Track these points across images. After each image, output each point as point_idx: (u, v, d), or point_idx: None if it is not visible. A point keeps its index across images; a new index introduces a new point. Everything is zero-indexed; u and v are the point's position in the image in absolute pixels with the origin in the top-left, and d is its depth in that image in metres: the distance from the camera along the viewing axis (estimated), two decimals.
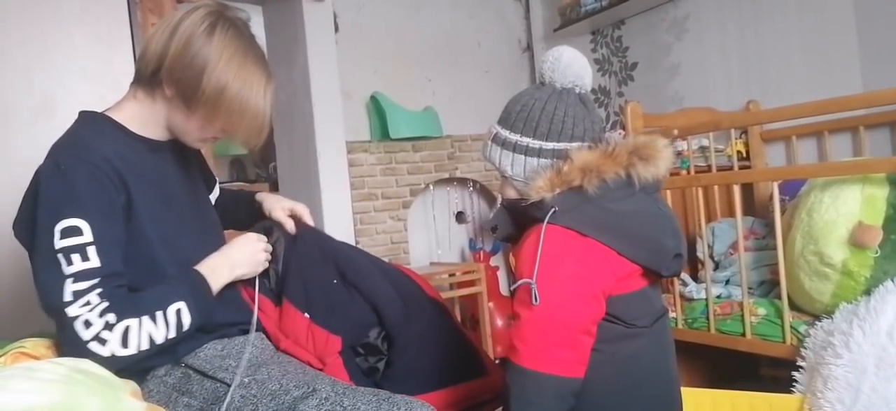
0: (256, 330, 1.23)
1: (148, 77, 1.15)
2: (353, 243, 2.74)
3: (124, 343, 1.03)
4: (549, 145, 1.11)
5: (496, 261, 3.15)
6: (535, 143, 1.12)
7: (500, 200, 1.24)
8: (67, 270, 1.02)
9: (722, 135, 2.40)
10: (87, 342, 1.01)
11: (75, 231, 1.02)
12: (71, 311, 1.01)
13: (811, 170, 1.94)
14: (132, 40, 2.11)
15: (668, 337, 1.16)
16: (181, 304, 1.09)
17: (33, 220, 1.06)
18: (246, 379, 1.11)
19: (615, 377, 1.07)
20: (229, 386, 1.11)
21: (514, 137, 1.13)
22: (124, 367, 1.04)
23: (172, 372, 1.14)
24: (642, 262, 1.07)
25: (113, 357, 1.03)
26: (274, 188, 5.01)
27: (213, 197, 1.46)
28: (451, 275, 2.84)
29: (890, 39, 2.08)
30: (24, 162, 1.96)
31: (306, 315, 1.29)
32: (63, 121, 2.02)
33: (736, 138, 2.37)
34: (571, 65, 1.13)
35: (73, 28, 2.05)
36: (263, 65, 1.17)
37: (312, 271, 1.31)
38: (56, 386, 0.94)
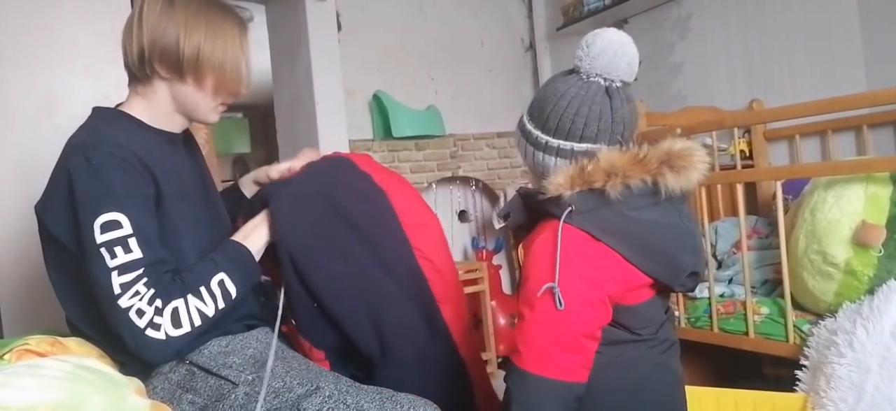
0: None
1: (138, 72, 1.18)
2: None
3: (176, 324, 1.07)
4: (564, 143, 1.06)
5: (499, 259, 3.15)
6: (554, 142, 1.07)
7: (516, 188, 1.22)
8: (111, 263, 1.04)
9: (725, 134, 2.40)
10: (144, 330, 1.04)
11: (115, 225, 1.05)
12: (122, 303, 1.04)
13: (815, 170, 1.93)
14: None
15: (673, 338, 1.14)
16: (222, 275, 1.14)
17: (76, 220, 1.07)
18: (250, 377, 1.11)
19: (618, 378, 1.05)
20: (233, 383, 1.11)
21: (544, 138, 1.08)
22: (183, 350, 1.10)
23: (177, 370, 1.15)
24: (655, 276, 1.03)
25: (168, 339, 1.06)
26: None
27: None
28: None
29: (894, 38, 2.08)
30: (26, 159, 1.98)
31: (292, 322, 1.32)
32: (65, 119, 2.03)
33: (739, 137, 2.37)
34: (602, 55, 1.04)
35: (76, 26, 2.05)
36: (229, 14, 1.21)
37: (292, 289, 1.25)
38: (61, 383, 0.95)
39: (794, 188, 1.99)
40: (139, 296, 1.05)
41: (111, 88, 2.01)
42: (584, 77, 1.06)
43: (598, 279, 1.01)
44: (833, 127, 2.19)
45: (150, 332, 1.05)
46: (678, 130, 2.07)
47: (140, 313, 1.04)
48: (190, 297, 1.09)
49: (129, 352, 1.07)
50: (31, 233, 1.95)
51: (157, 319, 1.05)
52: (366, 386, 1.10)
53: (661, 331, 1.09)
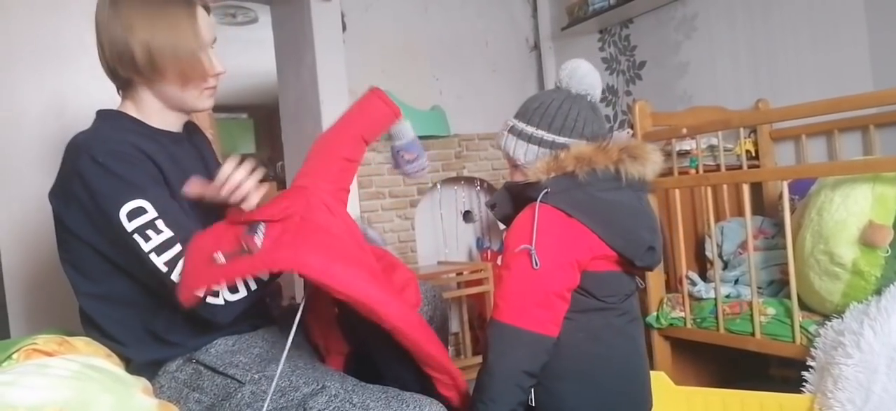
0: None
1: (114, 79, 1.20)
2: None
3: (232, 289, 1.08)
4: (561, 139, 1.24)
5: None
6: (549, 136, 1.24)
7: (485, 184, 1.36)
8: (147, 246, 1.06)
9: (731, 134, 2.39)
10: (205, 299, 1.05)
11: (140, 211, 1.07)
12: (175, 277, 1.05)
13: (821, 169, 1.93)
14: None
15: (636, 311, 1.29)
16: None
17: (103, 219, 1.08)
18: (256, 376, 1.12)
19: (587, 342, 1.19)
20: (239, 382, 1.11)
21: (530, 129, 1.26)
22: (238, 316, 1.09)
23: (184, 368, 1.15)
24: (617, 248, 1.18)
25: (227, 304, 1.07)
26: (281, 187, 5.03)
27: None
28: (459, 273, 2.84)
29: None
30: (33, 159, 1.99)
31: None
32: (72, 120, 2.04)
33: (745, 137, 2.36)
34: (586, 77, 1.28)
35: (83, 26, 2.05)
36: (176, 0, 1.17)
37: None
38: (68, 382, 0.95)
39: (801, 188, 1.99)
40: None
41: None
42: (573, 91, 1.27)
43: (567, 246, 1.17)
44: (839, 127, 2.18)
45: (211, 299, 1.06)
46: (684, 130, 2.07)
47: None
48: None
49: (200, 319, 1.08)
50: (38, 233, 1.96)
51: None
52: (371, 386, 1.10)
53: (625, 303, 1.24)
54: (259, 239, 1.05)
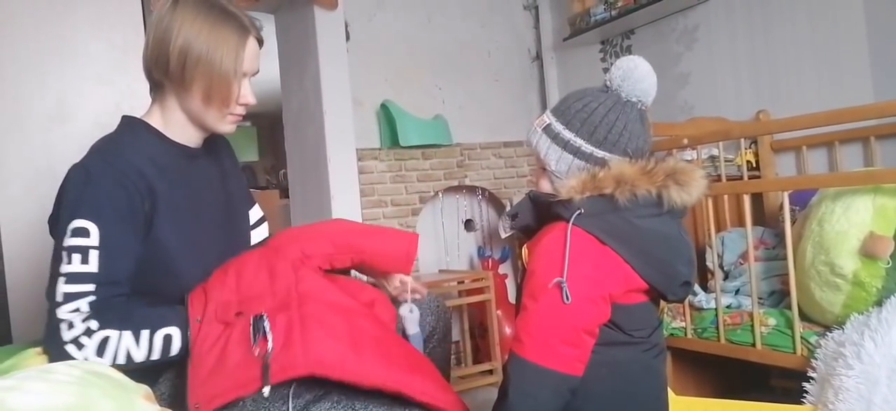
0: None
1: (148, 78, 1.20)
2: None
3: (100, 351, 1.05)
4: (600, 153, 1.12)
5: (505, 269, 3.15)
6: (588, 148, 1.12)
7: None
8: (64, 268, 1.04)
9: (732, 145, 2.39)
10: (66, 343, 1.04)
11: (83, 232, 1.05)
12: (60, 313, 1.04)
13: (822, 180, 1.93)
14: None
15: (662, 343, 1.19)
16: (174, 330, 1.10)
17: (57, 216, 1.09)
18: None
19: (610, 377, 1.10)
20: None
21: (569, 135, 1.13)
22: None
23: (184, 375, 1.15)
24: (652, 282, 1.09)
25: (87, 362, 1.04)
26: (284, 195, 5.04)
27: (255, 219, 1.45)
28: (460, 282, 2.85)
29: None
30: (39, 166, 2.00)
31: None
32: (78, 127, 2.06)
33: (746, 148, 2.36)
34: (643, 80, 1.14)
35: (89, 35, 2.08)
36: (232, 21, 1.16)
37: None
38: (70, 387, 0.95)
39: (801, 199, 1.99)
40: (78, 313, 1.04)
41: (122, 97, 2.04)
42: (624, 97, 1.14)
43: (601, 278, 1.07)
44: (840, 138, 2.18)
45: (70, 348, 1.03)
46: (685, 141, 2.07)
47: (70, 326, 1.04)
48: (126, 335, 1.07)
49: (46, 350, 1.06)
50: (41, 240, 1.97)
51: (83, 339, 1.04)
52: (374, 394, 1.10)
53: (653, 336, 1.15)
54: (270, 341, 1.03)
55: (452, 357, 2.87)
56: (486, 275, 2.80)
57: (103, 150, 1.13)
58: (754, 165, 2.39)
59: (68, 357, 1.04)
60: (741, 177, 2.29)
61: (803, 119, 1.90)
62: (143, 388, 1.08)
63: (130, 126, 1.21)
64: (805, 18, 2.31)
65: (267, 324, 1.05)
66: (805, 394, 1.59)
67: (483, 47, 3.21)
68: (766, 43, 2.44)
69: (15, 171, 1.98)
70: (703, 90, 2.68)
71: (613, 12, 2.81)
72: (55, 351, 1.05)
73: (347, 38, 2.83)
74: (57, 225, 1.09)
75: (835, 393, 1.45)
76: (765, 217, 2.36)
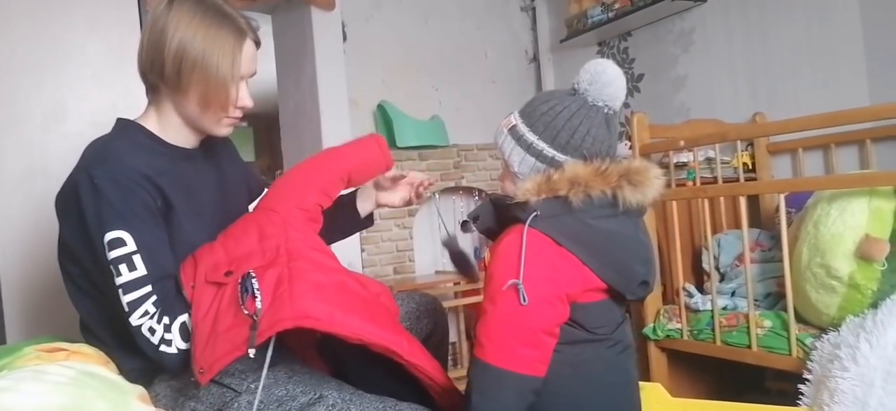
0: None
1: (144, 80, 1.18)
2: (358, 252, 2.75)
3: (186, 337, 1.07)
4: (561, 157, 1.11)
5: None
6: (549, 151, 1.12)
7: (484, 194, 1.25)
8: (118, 281, 1.06)
9: (728, 147, 2.40)
10: (158, 347, 1.06)
11: (119, 242, 1.06)
12: (133, 321, 1.06)
13: (818, 183, 1.94)
14: None
15: (628, 341, 1.19)
16: None
17: (88, 238, 1.08)
18: (253, 385, 1.11)
19: (574, 377, 1.10)
20: (235, 391, 1.11)
21: (532, 137, 1.13)
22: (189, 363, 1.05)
23: (180, 377, 1.15)
24: (609, 281, 1.09)
25: (180, 352, 1.07)
26: None
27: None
28: (456, 283, 2.85)
29: None
30: (35, 166, 1.99)
31: None
32: (74, 127, 2.05)
33: (742, 150, 2.37)
34: (610, 84, 1.12)
35: (85, 35, 2.08)
36: (229, 23, 1.14)
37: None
38: (65, 389, 0.95)
39: (797, 201, 2.00)
40: (148, 316, 1.06)
41: (119, 97, 2.03)
42: (590, 101, 1.13)
43: (557, 279, 1.07)
44: (836, 140, 2.19)
45: (163, 348, 1.06)
46: (681, 143, 2.08)
47: (152, 331, 1.06)
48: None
49: (146, 359, 1.08)
50: (37, 239, 1.96)
51: (167, 335, 1.06)
52: (368, 395, 1.10)
53: (616, 332, 1.14)
54: (258, 300, 1.03)
55: (449, 358, 2.87)
56: (481, 275, 2.79)
57: (103, 158, 1.11)
58: (751, 167, 2.40)
59: (165, 359, 1.06)
60: (737, 180, 2.30)
61: (799, 121, 1.91)
62: (138, 389, 1.08)
63: (125, 130, 1.19)
64: (801, 21, 2.32)
65: (255, 283, 1.04)
66: (800, 396, 1.59)
67: (480, 48, 3.21)
68: (763, 45, 2.45)
69: (11, 171, 1.98)
70: (699, 92, 2.69)
71: (610, 14, 2.82)
72: (153, 356, 1.06)
73: (344, 38, 2.83)
74: (92, 246, 1.08)
75: (830, 395, 1.45)
76: (761, 219, 2.37)
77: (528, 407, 1.07)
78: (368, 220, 1.50)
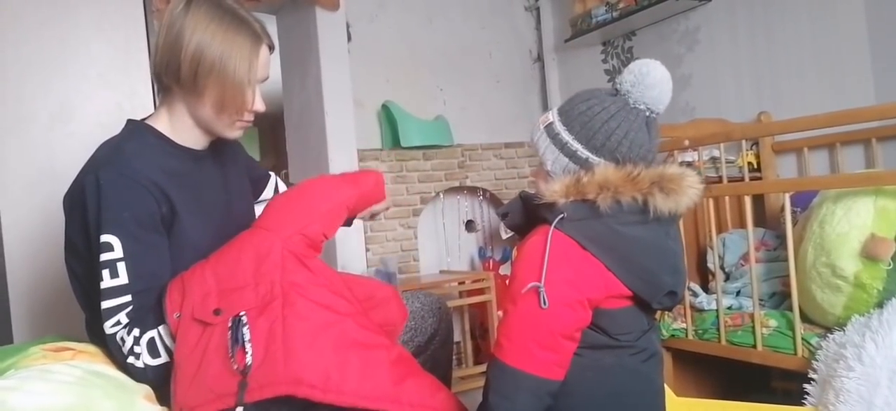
0: None
1: (157, 82, 1.19)
2: (363, 251, 2.76)
3: (153, 353, 1.07)
4: (595, 159, 1.09)
5: (506, 269, 3.15)
6: (583, 152, 1.09)
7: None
8: (101, 285, 1.07)
9: (733, 147, 2.39)
10: (126, 357, 1.07)
11: (108, 247, 1.06)
12: (106, 328, 1.07)
13: (823, 182, 1.93)
14: (149, 49, 2.15)
15: (654, 349, 1.16)
16: None
17: (89, 238, 1.09)
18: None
19: (597, 382, 1.08)
20: None
21: (567, 137, 1.11)
22: (166, 378, 1.05)
23: None
24: (634, 289, 1.07)
25: (146, 367, 1.07)
26: None
27: (269, 193, 1.46)
28: (461, 283, 2.85)
29: None
30: (41, 167, 2.00)
31: None
32: (80, 127, 2.06)
33: (747, 149, 2.36)
34: (654, 87, 1.09)
35: (91, 36, 2.09)
36: (246, 28, 1.15)
37: None
38: (71, 388, 0.96)
39: (803, 201, 1.99)
40: (120, 325, 1.07)
41: (124, 97, 2.04)
42: (631, 103, 1.10)
43: (580, 283, 1.05)
44: (842, 140, 2.18)
45: (131, 360, 1.07)
46: (686, 142, 2.07)
47: (122, 340, 1.06)
48: (162, 328, 1.08)
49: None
50: (43, 239, 1.97)
51: (136, 348, 1.07)
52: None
53: (641, 340, 1.12)
54: (249, 354, 0.99)
55: (454, 358, 2.88)
56: (486, 275, 2.80)
57: (112, 160, 1.11)
58: (756, 167, 2.39)
59: (131, 372, 1.07)
60: (742, 179, 2.29)
61: (805, 121, 1.90)
62: (144, 388, 1.09)
63: (136, 132, 1.19)
64: (806, 20, 2.31)
65: (246, 332, 1.00)
66: (806, 396, 1.58)
67: (484, 48, 3.22)
68: (768, 44, 2.44)
69: (17, 172, 1.99)
70: (704, 91, 2.68)
71: (615, 13, 2.81)
72: (122, 367, 1.07)
73: (349, 38, 2.83)
74: (86, 239, 1.09)
75: (836, 395, 1.45)
76: (766, 218, 2.36)
77: (544, 410, 1.06)
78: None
